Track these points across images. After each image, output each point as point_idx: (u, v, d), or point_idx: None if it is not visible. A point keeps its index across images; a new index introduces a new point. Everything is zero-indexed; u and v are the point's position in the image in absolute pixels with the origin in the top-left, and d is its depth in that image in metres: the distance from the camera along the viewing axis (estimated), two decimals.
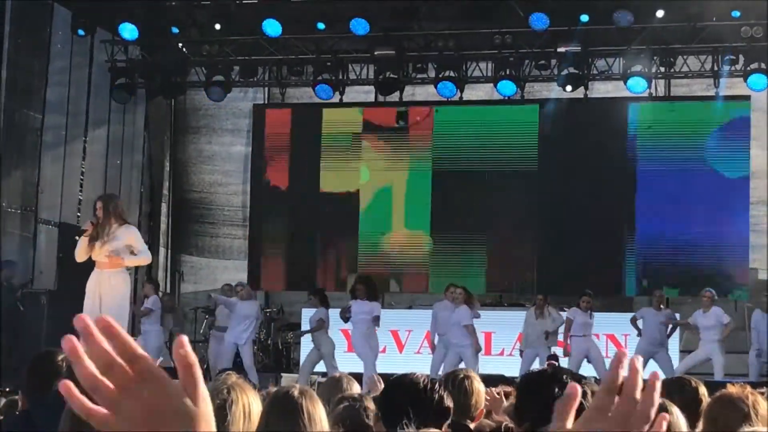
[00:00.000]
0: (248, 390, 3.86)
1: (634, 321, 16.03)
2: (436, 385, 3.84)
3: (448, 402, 3.89)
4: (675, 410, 4.70)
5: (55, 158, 18.22)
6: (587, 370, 15.33)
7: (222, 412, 3.74)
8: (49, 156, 18.05)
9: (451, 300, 15.61)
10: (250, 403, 3.81)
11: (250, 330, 16.09)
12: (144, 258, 11.15)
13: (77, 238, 10.73)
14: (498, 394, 5.54)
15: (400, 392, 3.83)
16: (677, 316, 16.32)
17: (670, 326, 16.04)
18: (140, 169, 20.56)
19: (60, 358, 4.80)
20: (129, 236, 10.75)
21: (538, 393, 3.56)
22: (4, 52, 16.72)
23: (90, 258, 10.72)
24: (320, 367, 16.07)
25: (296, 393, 3.87)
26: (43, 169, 17.82)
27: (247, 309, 16.05)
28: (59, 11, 18.06)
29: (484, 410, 5.38)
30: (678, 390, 5.44)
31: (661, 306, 16.12)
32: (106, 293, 10.66)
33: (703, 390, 5.46)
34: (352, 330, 15.86)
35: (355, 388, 5.63)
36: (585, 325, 15.86)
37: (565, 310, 16.40)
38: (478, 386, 5.24)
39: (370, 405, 5.05)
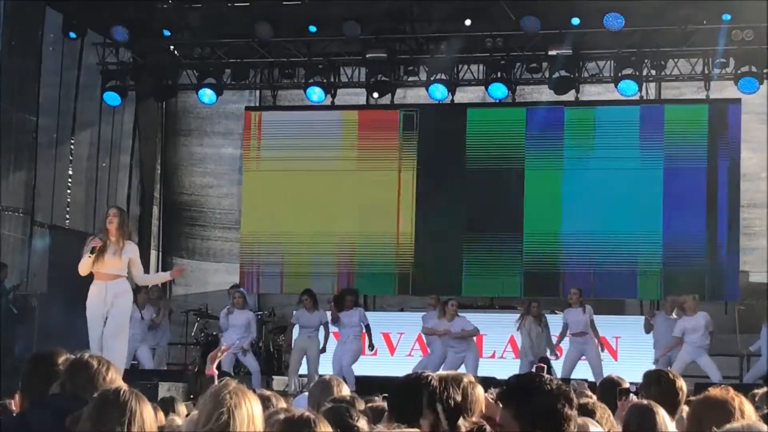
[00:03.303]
0: (249, 394, 3.93)
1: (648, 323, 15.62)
2: (450, 387, 3.84)
3: (459, 402, 3.89)
4: (661, 411, 4.77)
5: (47, 160, 18.21)
6: (583, 372, 15.29)
7: (227, 417, 3.80)
8: (41, 158, 18.04)
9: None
10: (253, 407, 3.89)
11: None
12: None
13: (88, 255, 10.68)
14: (492, 399, 5.58)
15: (415, 391, 3.82)
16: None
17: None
18: (127, 171, 20.53)
19: (59, 360, 4.80)
20: (134, 253, 10.94)
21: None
22: None
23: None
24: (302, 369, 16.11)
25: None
26: (38, 171, 17.84)
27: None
28: (50, 13, 18.05)
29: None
30: (655, 381, 5.52)
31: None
32: (114, 304, 10.77)
33: (681, 383, 5.51)
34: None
35: (345, 390, 5.70)
36: (579, 323, 15.38)
37: (556, 314, 16.38)
38: (480, 393, 5.30)
39: (360, 406, 5.09)
